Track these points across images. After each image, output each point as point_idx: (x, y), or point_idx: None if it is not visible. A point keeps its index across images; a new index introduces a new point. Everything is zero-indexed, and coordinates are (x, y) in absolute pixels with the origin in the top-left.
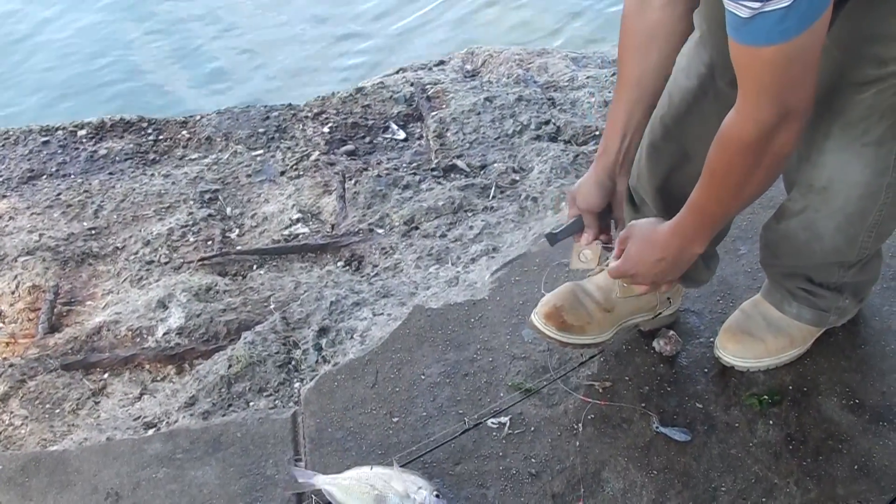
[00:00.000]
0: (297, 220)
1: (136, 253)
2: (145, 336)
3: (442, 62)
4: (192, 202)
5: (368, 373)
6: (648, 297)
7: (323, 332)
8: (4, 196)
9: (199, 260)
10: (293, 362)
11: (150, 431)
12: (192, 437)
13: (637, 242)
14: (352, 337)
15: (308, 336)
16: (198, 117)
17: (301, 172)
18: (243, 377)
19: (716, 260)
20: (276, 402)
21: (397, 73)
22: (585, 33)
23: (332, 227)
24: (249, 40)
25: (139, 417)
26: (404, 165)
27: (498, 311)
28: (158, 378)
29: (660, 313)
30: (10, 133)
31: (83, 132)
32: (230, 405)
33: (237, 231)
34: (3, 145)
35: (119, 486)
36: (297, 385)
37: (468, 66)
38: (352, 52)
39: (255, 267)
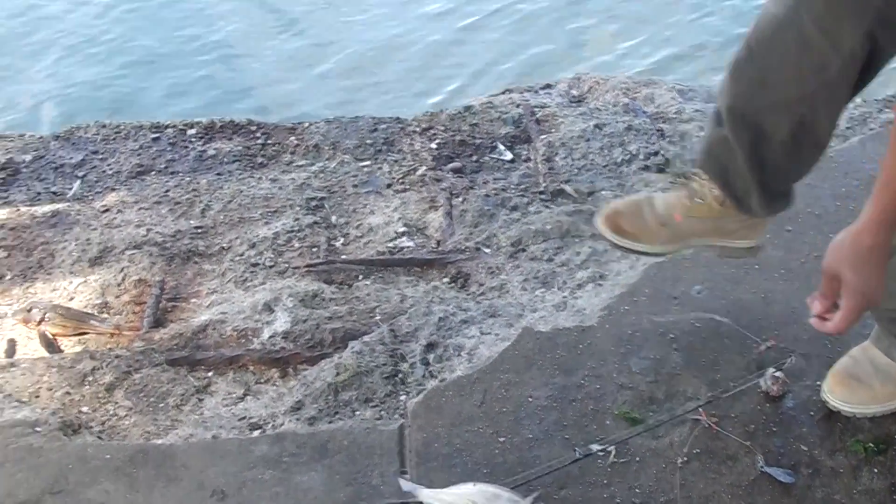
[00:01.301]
0: (403, 234)
1: (242, 254)
2: (250, 337)
3: (548, 86)
4: (298, 208)
5: (476, 391)
6: (714, 222)
7: (430, 347)
8: (114, 189)
9: (305, 266)
10: (400, 375)
11: (256, 433)
12: (299, 441)
13: (846, 262)
14: (459, 354)
15: (415, 350)
16: (306, 124)
17: (408, 186)
18: (350, 386)
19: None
20: (382, 413)
21: (503, 93)
22: (693, 68)
23: (438, 242)
24: (357, 52)
25: (244, 418)
26: (512, 186)
27: (606, 340)
28: (262, 380)
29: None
30: (122, 128)
31: (193, 131)
32: (336, 413)
33: (342, 240)
34: (114, 139)
35: (225, 484)
36: (402, 398)
37: (574, 92)
38: (455, 68)
39: (360, 277)
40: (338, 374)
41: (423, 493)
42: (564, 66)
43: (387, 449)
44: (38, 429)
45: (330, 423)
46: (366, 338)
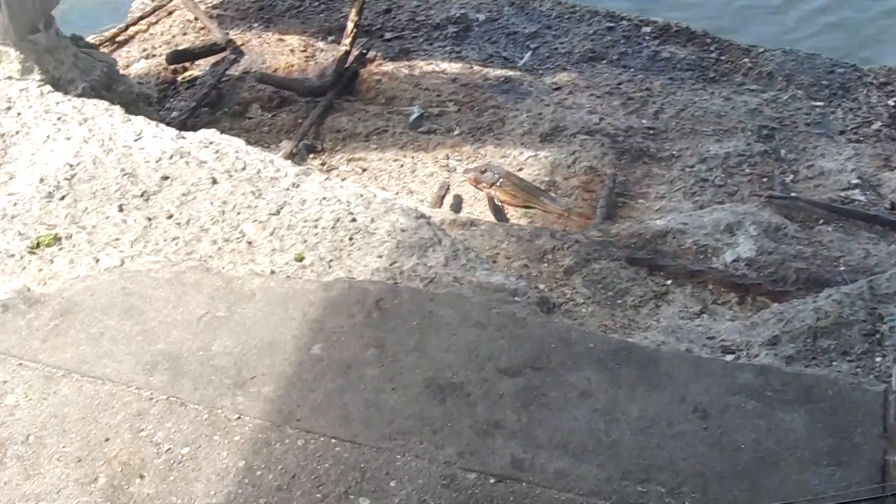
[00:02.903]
0: (855, 186)
1: (692, 167)
2: (710, 256)
3: None
4: (749, 133)
5: None
6: None
7: None
8: (564, 69)
9: (767, 196)
10: (878, 335)
11: (729, 357)
12: (784, 379)
13: None
14: None
15: (895, 314)
16: (761, 49)
17: (861, 138)
18: (829, 334)
19: None
20: (858, 369)
21: None
22: None
23: (893, 205)
24: None
25: (713, 337)
26: None
27: None
28: (719, 301)
29: None
30: (577, 9)
31: (647, 29)
32: (814, 358)
33: (791, 176)
34: (568, 18)
35: (708, 403)
36: (878, 359)
37: None
38: None
39: (821, 221)
40: (818, 319)
41: None
42: None
43: (870, 410)
44: (516, 298)
45: (806, 366)
46: (845, 289)
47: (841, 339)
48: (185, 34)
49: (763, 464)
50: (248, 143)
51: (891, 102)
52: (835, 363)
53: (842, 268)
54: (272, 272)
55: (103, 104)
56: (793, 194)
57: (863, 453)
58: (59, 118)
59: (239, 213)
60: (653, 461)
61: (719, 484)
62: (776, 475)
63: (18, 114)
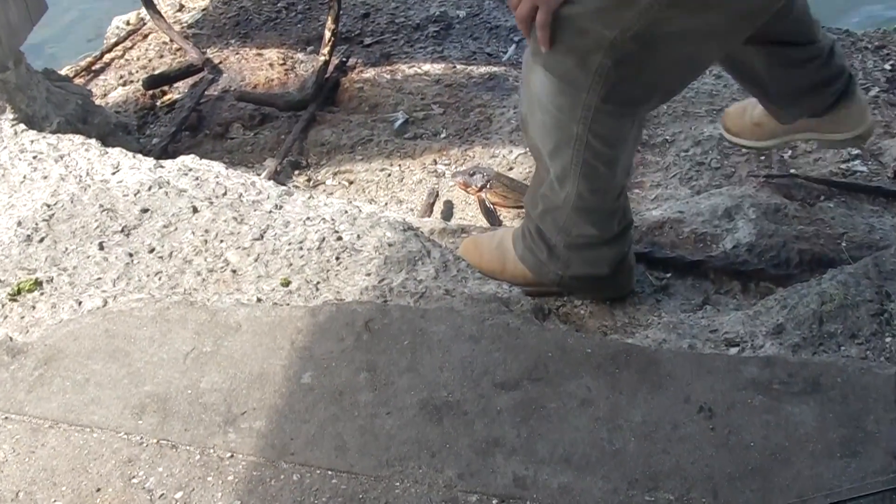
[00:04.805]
0: (856, 157)
1: (687, 151)
2: (709, 244)
3: None
4: None
5: None
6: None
7: None
8: None
9: (765, 176)
10: (885, 314)
11: (733, 350)
12: (790, 370)
13: None
14: None
15: None
16: None
17: None
18: (835, 318)
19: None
20: (868, 352)
21: None
22: None
23: (895, 173)
24: None
25: (716, 330)
26: None
27: None
28: (721, 291)
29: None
30: None
31: None
32: (821, 344)
33: (790, 152)
34: None
35: (713, 402)
36: (888, 340)
37: None
38: None
39: (822, 197)
40: (823, 303)
41: None
42: None
43: (882, 394)
44: (511, 308)
45: (813, 353)
46: (849, 268)
47: (848, 321)
48: (161, 57)
49: (774, 461)
50: (232, 164)
51: (887, 66)
52: (843, 348)
53: (843, 244)
54: (258, 300)
55: (79, 139)
56: (791, 171)
57: (876, 441)
58: (34, 157)
59: (222, 241)
60: (659, 468)
61: (730, 486)
62: (788, 472)
63: None
